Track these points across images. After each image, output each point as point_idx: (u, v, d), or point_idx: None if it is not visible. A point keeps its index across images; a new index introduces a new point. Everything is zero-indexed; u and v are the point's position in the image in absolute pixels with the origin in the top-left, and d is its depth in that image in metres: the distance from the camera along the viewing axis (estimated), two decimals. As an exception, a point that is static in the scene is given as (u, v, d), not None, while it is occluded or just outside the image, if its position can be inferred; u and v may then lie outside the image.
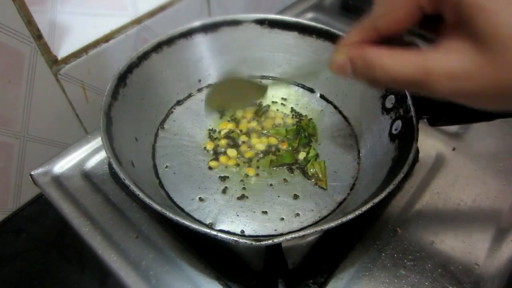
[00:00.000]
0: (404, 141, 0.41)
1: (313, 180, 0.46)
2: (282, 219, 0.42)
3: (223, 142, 0.49)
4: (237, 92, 0.47)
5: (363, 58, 0.26)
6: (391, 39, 0.26)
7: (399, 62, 0.24)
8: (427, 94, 0.24)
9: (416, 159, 0.45)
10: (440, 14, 0.24)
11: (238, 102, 0.50)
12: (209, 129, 0.51)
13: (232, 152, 0.48)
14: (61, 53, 0.49)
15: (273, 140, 0.50)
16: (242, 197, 0.44)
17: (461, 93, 0.23)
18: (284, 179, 0.46)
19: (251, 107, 0.53)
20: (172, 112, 0.52)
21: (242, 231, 0.41)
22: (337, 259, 0.40)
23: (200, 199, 0.44)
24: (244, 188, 0.45)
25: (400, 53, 0.25)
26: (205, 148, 0.48)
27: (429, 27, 0.27)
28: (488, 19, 0.21)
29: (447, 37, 0.23)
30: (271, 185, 0.45)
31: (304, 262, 0.40)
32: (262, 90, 0.48)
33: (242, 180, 0.46)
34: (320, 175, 0.46)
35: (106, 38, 0.52)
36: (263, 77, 0.57)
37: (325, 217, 0.43)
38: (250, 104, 0.53)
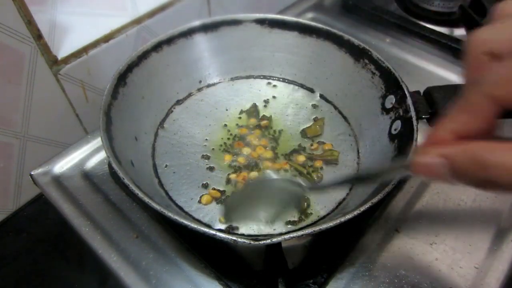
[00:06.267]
0: (404, 141, 0.41)
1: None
2: (282, 219, 0.42)
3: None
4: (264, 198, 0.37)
5: (471, 155, 0.21)
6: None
7: None
8: None
9: (416, 159, 0.45)
10: None
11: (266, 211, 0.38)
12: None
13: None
14: (61, 53, 0.49)
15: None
16: (242, 197, 0.44)
17: None
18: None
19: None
20: (172, 111, 0.52)
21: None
22: (337, 259, 0.40)
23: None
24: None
25: None
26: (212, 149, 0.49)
27: None
28: None
29: None
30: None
31: (304, 262, 0.40)
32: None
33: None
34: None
35: (106, 38, 0.52)
36: (263, 77, 0.57)
37: (324, 217, 0.42)
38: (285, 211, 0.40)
